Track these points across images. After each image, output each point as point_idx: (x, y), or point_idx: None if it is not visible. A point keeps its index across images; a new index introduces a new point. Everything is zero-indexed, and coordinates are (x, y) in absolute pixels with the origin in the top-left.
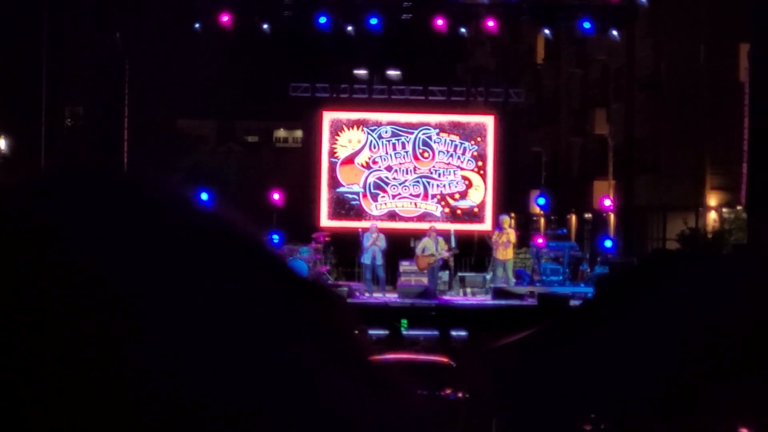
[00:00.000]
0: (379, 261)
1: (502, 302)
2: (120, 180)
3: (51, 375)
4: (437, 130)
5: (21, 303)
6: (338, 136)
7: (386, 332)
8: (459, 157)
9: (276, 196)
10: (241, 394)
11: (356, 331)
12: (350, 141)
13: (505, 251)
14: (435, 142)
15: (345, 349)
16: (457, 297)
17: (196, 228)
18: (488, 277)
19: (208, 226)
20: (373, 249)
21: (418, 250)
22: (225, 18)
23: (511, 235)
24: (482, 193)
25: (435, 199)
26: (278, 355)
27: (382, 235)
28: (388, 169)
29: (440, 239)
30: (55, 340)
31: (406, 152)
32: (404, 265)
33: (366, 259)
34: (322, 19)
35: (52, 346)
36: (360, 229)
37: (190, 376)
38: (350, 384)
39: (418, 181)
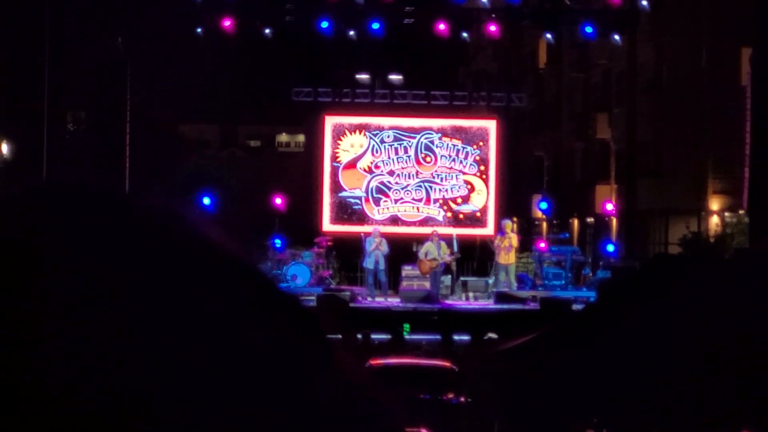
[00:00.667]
0: (382, 265)
1: (505, 307)
2: (113, 198)
3: (37, 389)
4: (439, 135)
5: (12, 314)
6: (340, 140)
7: (389, 336)
8: (461, 162)
9: (278, 201)
10: (226, 398)
11: (330, 339)
12: (352, 145)
13: (507, 255)
14: (437, 146)
15: (324, 357)
16: (460, 301)
17: (186, 247)
18: (490, 281)
19: (196, 245)
20: (376, 253)
21: (421, 255)
22: (227, 22)
23: (514, 239)
24: (484, 197)
25: (437, 204)
26: (257, 362)
27: (384, 240)
28: (391, 173)
29: (442, 243)
30: (41, 350)
31: (409, 157)
32: (407, 270)
33: (369, 264)
34: (324, 24)
35: (39, 356)
36: (362, 234)
37: (173, 384)
38: (329, 387)
39: (420, 186)
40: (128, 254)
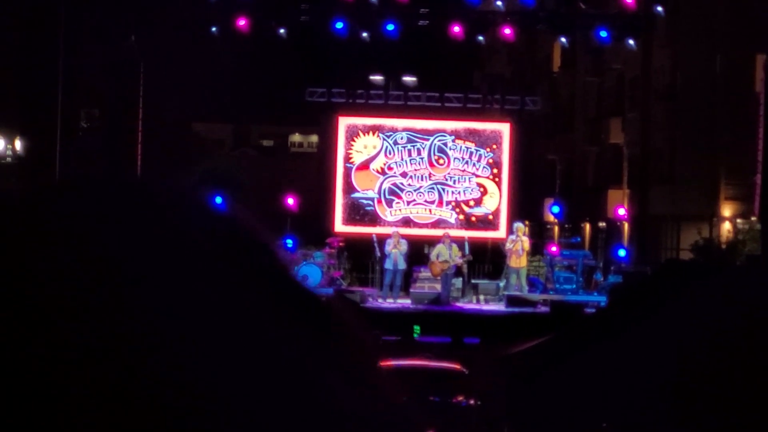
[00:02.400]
0: (401, 266)
1: (515, 310)
2: (133, 186)
3: (59, 374)
4: (453, 137)
5: (31, 303)
6: (354, 141)
7: (399, 338)
8: (474, 164)
9: (290, 201)
10: (240, 392)
11: (356, 340)
12: (366, 146)
13: (518, 259)
14: (450, 148)
15: (342, 354)
16: (470, 304)
17: (206, 234)
18: (501, 284)
19: (220, 232)
20: (394, 253)
21: (432, 257)
22: (242, 22)
23: (525, 242)
24: (497, 200)
25: (449, 206)
26: (277, 356)
27: (403, 240)
28: (404, 175)
29: (454, 246)
30: (60, 341)
31: (422, 158)
32: (418, 272)
33: (388, 264)
34: (339, 25)
35: (57, 346)
36: (374, 235)
37: (194, 376)
38: (344, 386)
39: (433, 188)
40: (154, 243)
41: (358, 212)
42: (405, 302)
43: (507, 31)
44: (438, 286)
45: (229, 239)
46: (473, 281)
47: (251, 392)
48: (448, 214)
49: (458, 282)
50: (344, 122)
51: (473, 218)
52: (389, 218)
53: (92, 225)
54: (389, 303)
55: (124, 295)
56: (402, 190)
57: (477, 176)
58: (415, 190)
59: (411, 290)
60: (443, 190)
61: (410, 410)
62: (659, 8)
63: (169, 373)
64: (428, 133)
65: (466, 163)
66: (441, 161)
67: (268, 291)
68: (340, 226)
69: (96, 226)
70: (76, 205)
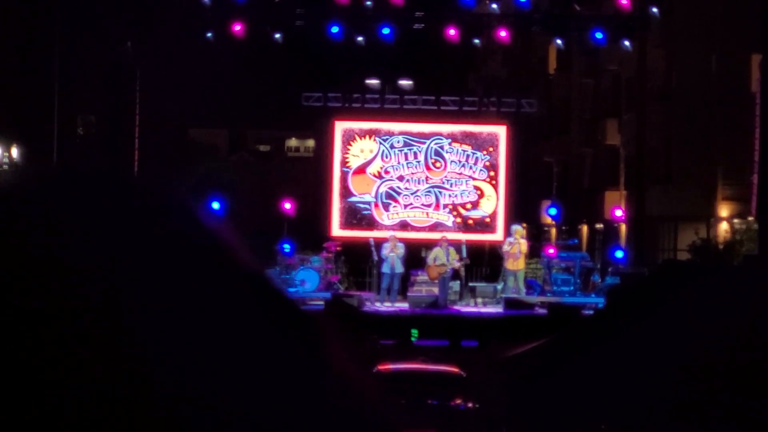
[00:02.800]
0: (398, 269)
1: (513, 312)
2: (120, 182)
3: (40, 376)
4: (449, 140)
5: (10, 303)
6: (350, 145)
7: (397, 341)
8: (471, 167)
9: (287, 206)
10: (219, 403)
11: (338, 347)
12: (362, 150)
13: (516, 261)
14: (447, 151)
15: (324, 361)
16: (468, 307)
17: (190, 239)
18: (499, 287)
19: (202, 239)
20: (391, 257)
21: (430, 260)
22: (237, 27)
23: (523, 245)
24: (494, 203)
25: (447, 209)
26: (255, 364)
27: (400, 244)
28: (400, 178)
29: (451, 249)
30: (40, 342)
31: (418, 162)
32: (416, 275)
33: (386, 268)
34: (335, 29)
35: (38, 348)
36: (371, 239)
37: (172, 383)
38: (330, 392)
39: (429, 191)
40: (136, 242)
41: (355, 216)
42: (402, 306)
43: (502, 33)
44: (435, 290)
45: (214, 246)
46: (471, 284)
47: (233, 399)
48: (446, 218)
49: (456, 285)
50: (340, 126)
51: (470, 221)
52: (386, 222)
53: (77, 222)
54: (387, 307)
55: (111, 295)
56: (399, 193)
57: (474, 179)
58: (412, 194)
59: (408, 294)
60: (440, 193)
61: (399, 413)
62: (654, 9)
63: (159, 375)
64: (424, 136)
65: (463, 166)
66: (438, 164)
67: (250, 298)
68: (337, 230)
69: (80, 224)
70: (63, 201)
